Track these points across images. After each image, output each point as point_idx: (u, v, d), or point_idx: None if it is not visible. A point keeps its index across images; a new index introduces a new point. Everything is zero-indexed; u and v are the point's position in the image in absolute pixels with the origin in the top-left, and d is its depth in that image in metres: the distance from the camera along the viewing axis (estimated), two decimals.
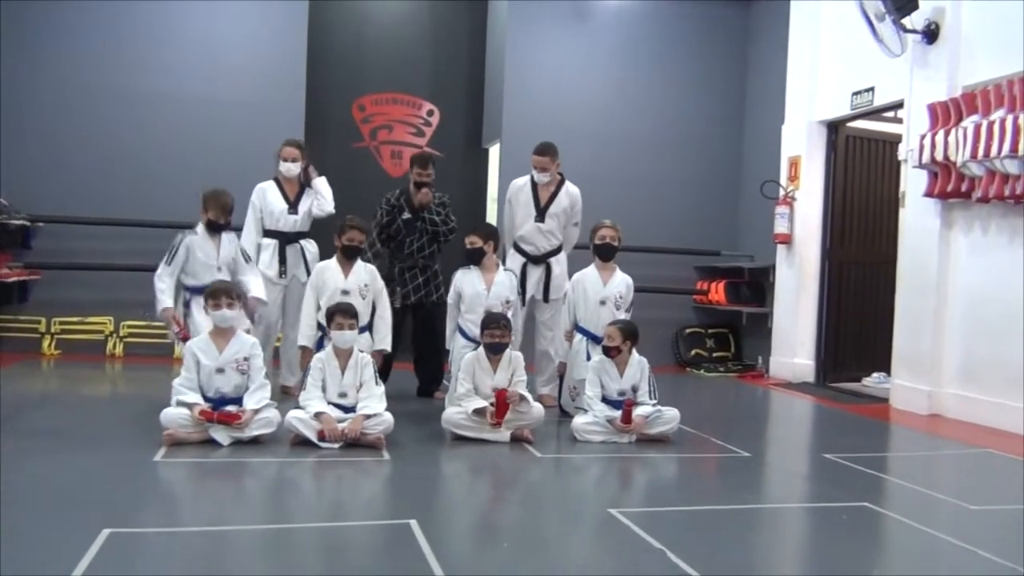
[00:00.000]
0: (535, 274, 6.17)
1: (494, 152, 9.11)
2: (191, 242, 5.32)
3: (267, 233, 6.04)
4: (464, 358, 5.11)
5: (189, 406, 4.51)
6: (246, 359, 4.66)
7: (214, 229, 5.37)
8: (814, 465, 4.90)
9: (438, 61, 9.17)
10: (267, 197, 6.06)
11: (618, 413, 4.97)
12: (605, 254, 5.71)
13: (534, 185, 6.15)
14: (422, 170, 6.16)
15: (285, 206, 6.05)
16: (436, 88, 9.15)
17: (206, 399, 4.59)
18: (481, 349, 5.07)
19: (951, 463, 5.10)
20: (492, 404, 4.85)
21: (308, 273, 5.86)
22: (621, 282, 5.70)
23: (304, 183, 6.12)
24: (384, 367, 5.88)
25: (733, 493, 4.11)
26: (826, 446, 5.33)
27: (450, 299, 5.69)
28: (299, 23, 8.16)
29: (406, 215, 6.13)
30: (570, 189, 6.20)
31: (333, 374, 4.76)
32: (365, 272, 5.52)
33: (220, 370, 4.62)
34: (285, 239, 6.04)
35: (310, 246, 6.14)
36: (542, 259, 6.16)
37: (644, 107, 8.97)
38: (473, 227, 5.77)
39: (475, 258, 5.59)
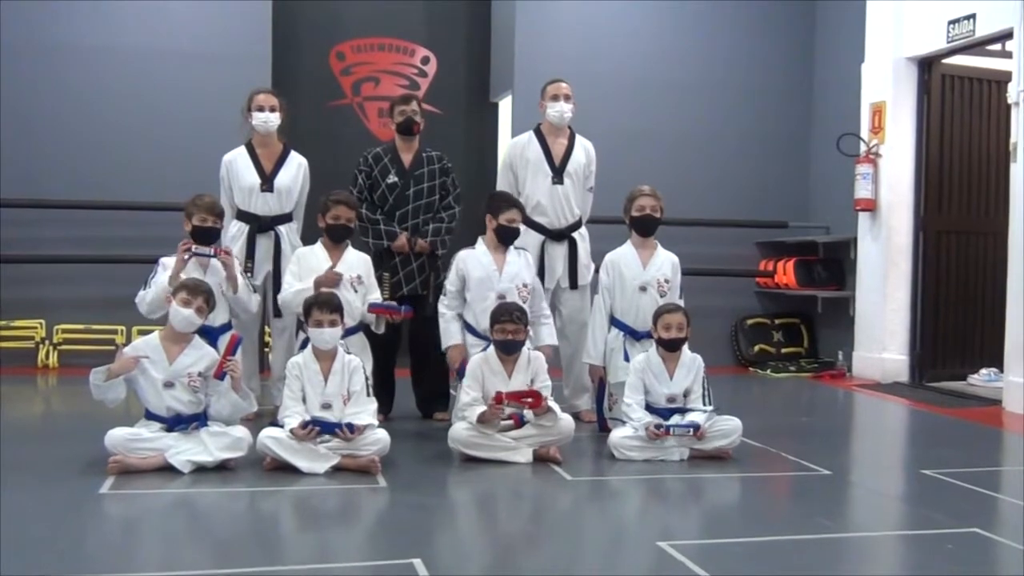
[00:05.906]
0: (558, 254, 6.10)
1: (505, 107, 9.09)
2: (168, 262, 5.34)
3: (239, 215, 5.94)
4: (471, 360, 5.12)
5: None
6: (200, 375, 4.69)
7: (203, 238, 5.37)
8: (910, 484, 4.90)
9: None
10: (236, 168, 5.96)
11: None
12: (645, 228, 5.68)
13: (542, 140, 6.14)
14: (405, 106, 6.00)
15: (256, 181, 5.93)
16: (432, 30, 9.13)
17: (156, 418, 4.64)
18: (491, 348, 5.07)
19: None
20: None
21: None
22: (665, 262, 5.68)
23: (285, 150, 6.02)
24: (384, 380, 5.86)
25: (810, 520, 4.10)
26: (925, 460, 5.30)
27: (449, 285, 5.57)
28: None
29: (391, 178, 6.01)
30: (583, 142, 6.24)
31: (314, 381, 4.77)
32: (358, 261, 5.54)
33: (169, 384, 4.64)
34: (258, 225, 5.93)
35: (291, 235, 6.00)
36: (564, 234, 6.12)
37: (690, 48, 8.94)
38: (503, 199, 5.63)
39: (512, 238, 5.56)
